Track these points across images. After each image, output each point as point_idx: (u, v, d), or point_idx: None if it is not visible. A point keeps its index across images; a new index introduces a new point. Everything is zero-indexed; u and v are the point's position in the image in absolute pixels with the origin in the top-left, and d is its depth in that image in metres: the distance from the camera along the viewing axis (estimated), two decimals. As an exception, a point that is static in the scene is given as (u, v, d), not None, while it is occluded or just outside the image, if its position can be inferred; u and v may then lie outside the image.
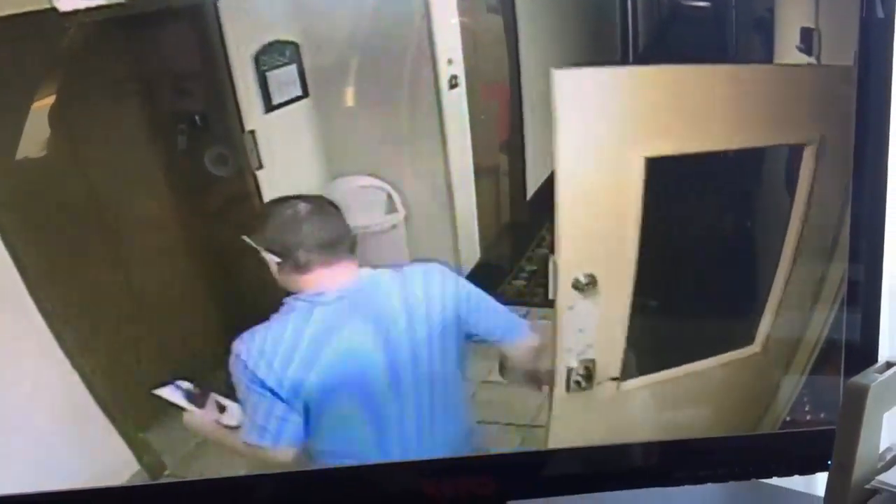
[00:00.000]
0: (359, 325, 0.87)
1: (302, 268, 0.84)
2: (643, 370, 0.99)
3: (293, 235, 0.83)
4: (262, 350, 0.85)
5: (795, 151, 0.95)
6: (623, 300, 0.96)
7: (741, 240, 0.99)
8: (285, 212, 0.82)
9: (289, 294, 0.88)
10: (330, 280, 0.86)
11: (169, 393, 0.86)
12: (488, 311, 0.91)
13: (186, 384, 0.86)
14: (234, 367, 0.87)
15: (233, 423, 0.89)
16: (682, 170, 0.95)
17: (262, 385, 0.87)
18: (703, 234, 0.98)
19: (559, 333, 0.96)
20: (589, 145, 0.94)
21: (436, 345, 0.89)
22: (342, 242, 0.84)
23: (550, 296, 0.95)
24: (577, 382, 0.96)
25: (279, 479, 0.92)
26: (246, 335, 0.86)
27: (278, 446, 0.89)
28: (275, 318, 0.87)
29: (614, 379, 0.97)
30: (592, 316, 0.96)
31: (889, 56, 0.89)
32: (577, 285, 0.94)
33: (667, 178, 0.94)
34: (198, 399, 0.87)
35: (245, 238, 0.81)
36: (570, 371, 0.97)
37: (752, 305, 0.98)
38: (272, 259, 0.82)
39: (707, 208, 0.98)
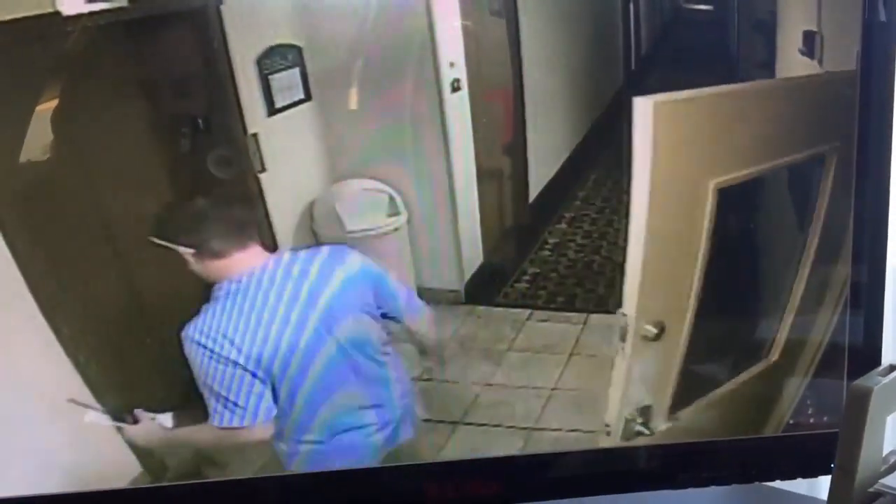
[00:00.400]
0: (288, 301, 0.90)
1: (218, 255, 0.87)
2: (687, 402, 0.98)
3: (204, 224, 0.86)
4: (218, 330, 0.87)
5: (818, 161, 0.94)
6: (683, 340, 0.95)
7: (771, 256, 0.99)
8: (191, 205, 0.85)
9: (212, 286, 0.89)
10: (248, 263, 0.88)
11: (97, 418, 0.87)
12: (397, 291, 0.96)
13: (96, 407, 0.87)
14: (195, 353, 0.87)
15: (169, 424, 0.89)
16: (733, 196, 0.93)
17: (228, 361, 0.88)
18: (741, 256, 0.98)
19: (621, 387, 0.95)
20: (666, 179, 0.90)
21: (358, 318, 0.94)
22: (250, 227, 0.87)
23: (616, 354, 0.93)
24: (639, 433, 0.96)
25: (283, 482, 0.93)
26: (196, 323, 0.87)
27: (254, 422, 0.90)
28: (212, 304, 0.88)
29: (668, 420, 0.97)
30: (656, 363, 0.95)
31: (892, 59, 0.89)
32: (646, 335, 0.93)
33: (724, 207, 0.92)
34: (127, 417, 0.88)
35: (154, 240, 0.83)
36: (628, 422, 0.96)
37: (778, 319, 0.98)
38: (186, 251, 0.84)
39: (748, 230, 0.97)
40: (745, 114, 0.92)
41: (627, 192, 0.91)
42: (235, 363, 0.89)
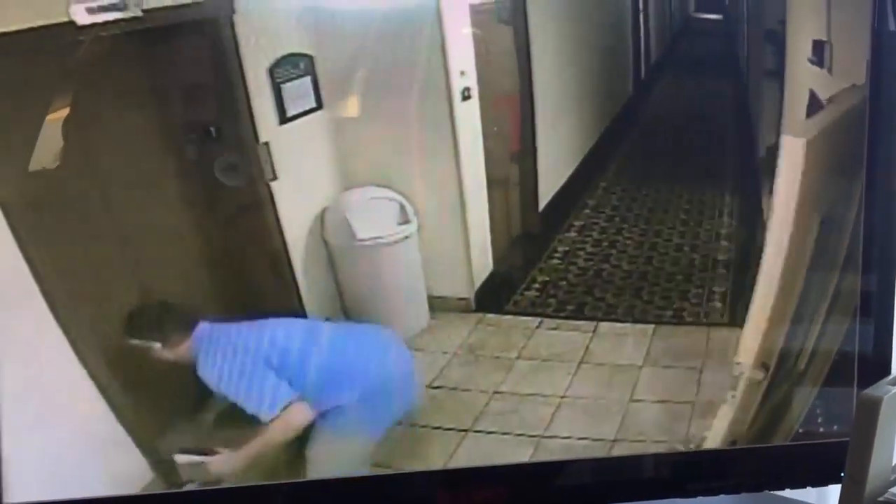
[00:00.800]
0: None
1: (180, 342, 0.94)
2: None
3: (162, 324, 0.94)
4: (224, 348, 0.95)
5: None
6: (772, 374, 0.95)
7: (818, 272, 0.98)
8: (153, 311, 0.94)
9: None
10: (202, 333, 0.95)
11: (188, 459, 0.93)
12: None
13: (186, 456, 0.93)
14: (214, 376, 0.94)
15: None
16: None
17: (243, 364, 0.95)
18: (807, 279, 0.97)
19: (723, 435, 0.95)
20: (802, 218, 0.90)
21: None
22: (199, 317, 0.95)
23: (729, 401, 0.94)
24: None
25: (292, 488, 0.93)
26: (204, 363, 0.94)
27: (291, 396, 0.95)
28: (202, 352, 0.94)
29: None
30: (753, 403, 0.95)
31: (902, 67, 0.89)
32: (755, 379, 0.93)
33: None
34: (208, 451, 0.93)
35: (133, 341, 0.92)
36: None
37: (807, 330, 0.98)
38: (155, 346, 0.93)
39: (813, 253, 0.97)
40: (845, 136, 0.92)
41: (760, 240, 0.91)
42: (250, 365, 0.94)
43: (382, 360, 1.00)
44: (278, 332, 0.95)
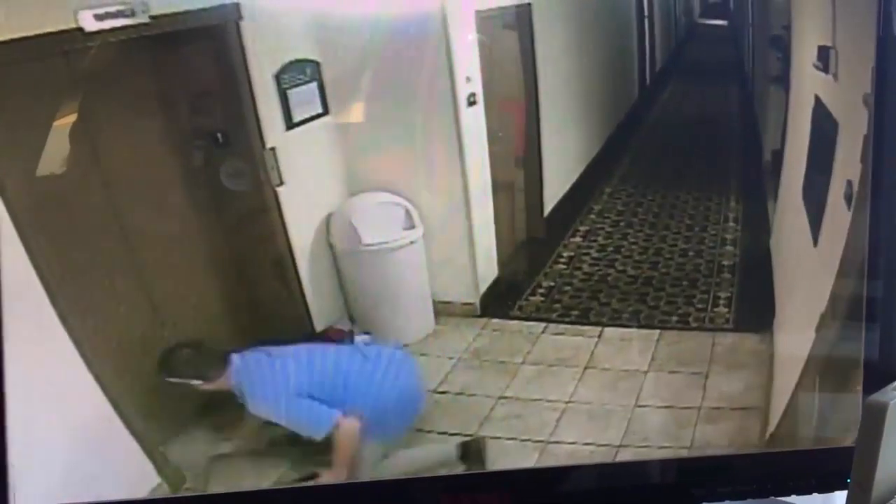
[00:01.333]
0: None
1: (218, 375, 0.95)
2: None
3: (201, 363, 0.96)
4: (267, 381, 0.97)
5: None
6: None
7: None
8: (190, 351, 0.97)
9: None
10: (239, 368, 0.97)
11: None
12: None
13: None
14: (263, 406, 0.97)
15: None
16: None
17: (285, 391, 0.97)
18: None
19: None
20: None
21: None
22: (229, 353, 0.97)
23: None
24: None
25: (298, 493, 0.93)
26: (252, 397, 0.95)
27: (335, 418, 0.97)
28: (245, 386, 0.95)
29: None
30: None
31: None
32: None
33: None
34: (312, 475, 0.96)
35: (172, 380, 0.94)
36: None
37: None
38: (197, 383, 0.95)
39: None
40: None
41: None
42: (293, 397, 0.96)
43: (395, 377, 1.00)
44: (305, 360, 0.97)
